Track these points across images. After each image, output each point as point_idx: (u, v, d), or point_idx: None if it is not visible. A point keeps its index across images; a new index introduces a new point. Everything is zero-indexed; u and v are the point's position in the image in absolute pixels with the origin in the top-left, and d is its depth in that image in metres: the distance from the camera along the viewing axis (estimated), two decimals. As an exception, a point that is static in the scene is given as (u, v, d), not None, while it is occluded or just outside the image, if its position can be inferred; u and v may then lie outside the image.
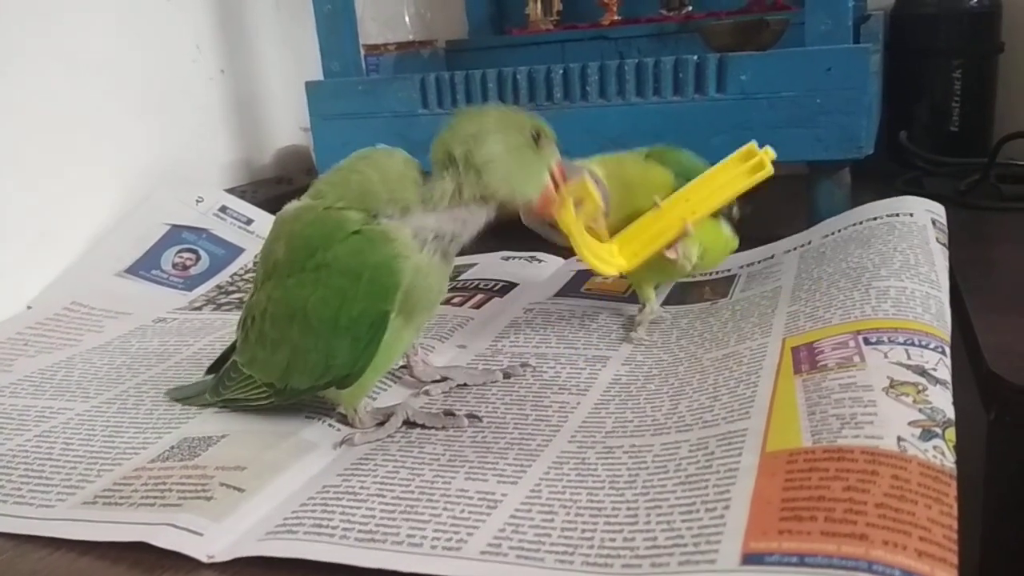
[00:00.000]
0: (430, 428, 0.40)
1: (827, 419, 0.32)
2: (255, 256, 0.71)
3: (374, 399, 0.44)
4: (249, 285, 0.65)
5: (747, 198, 0.49)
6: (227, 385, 0.43)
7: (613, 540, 0.29)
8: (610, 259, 0.46)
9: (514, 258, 0.67)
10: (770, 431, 0.33)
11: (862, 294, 0.43)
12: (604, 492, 0.32)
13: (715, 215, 0.49)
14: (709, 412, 0.37)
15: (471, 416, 0.40)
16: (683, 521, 0.29)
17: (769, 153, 0.44)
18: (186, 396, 0.46)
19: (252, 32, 0.88)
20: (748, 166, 0.44)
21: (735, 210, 0.52)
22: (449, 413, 0.41)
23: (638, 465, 0.34)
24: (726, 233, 0.52)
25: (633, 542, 0.28)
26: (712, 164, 0.53)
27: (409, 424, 0.41)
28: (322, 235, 0.38)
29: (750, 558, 0.25)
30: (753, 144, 0.43)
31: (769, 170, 0.43)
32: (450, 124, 0.40)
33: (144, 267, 0.68)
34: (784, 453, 0.31)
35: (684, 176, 0.48)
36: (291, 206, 0.41)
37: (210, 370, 0.48)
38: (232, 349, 0.46)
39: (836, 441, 0.30)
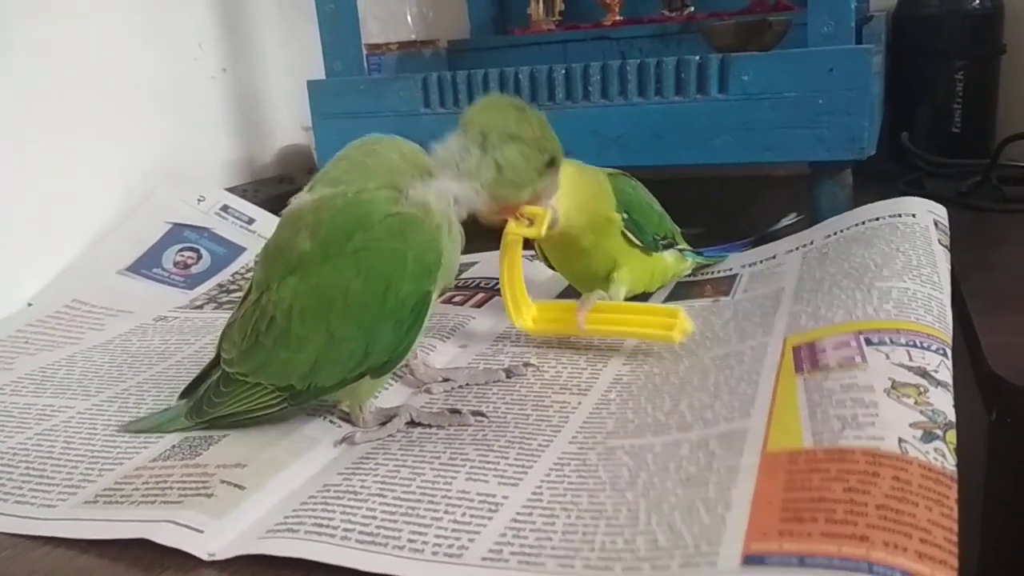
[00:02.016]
0: (434, 427, 0.40)
1: (828, 420, 0.32)
2: (256, 256, 0.71)
3: (376, 398, 0.44)
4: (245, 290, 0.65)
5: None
6: (215, 403, 0.41)
7: (614, 542, 0.29)
8: (522, 312, 0.50)
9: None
10: (771, 431, 0.33)
11: (864, 294, 0.43)
12: (605, 494, 0.32)
13: (649, 251, 0.53)
14: (710, 411, 0.37)
15: (477, 413, 0.40)
16: (683, 522, 0.29)
17: (686, 327, 0.45)
18: (152, 426, 0.43)
19: (254, 31, 0.88)
20: (664, 322, 0.45)
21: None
22: (454, 411, 0.41)
23: (639, 465, 0.34)
24: (668, 262, 0.55)
25: (634, 544, 0.28)
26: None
27: (413, 424, 0.41)
28: (358, 218, 0.38)
29: (751, 559, 0.25)
30: (682, 311, 0.45)
31: (675, 339, 0.44)
32: (498, 107, 0.43)
33: (145, 265, 0.68)
34: (785, 453, 0.31)
35: (622, 202, 0.51)
36: (304, 199, 0.40)
37: (182, 397, 0.45)
38: (209, 371, 0.44)
39: (837, 442, 0.30)
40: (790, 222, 0.65)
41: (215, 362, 0.43)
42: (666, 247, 0.55)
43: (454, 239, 0.40)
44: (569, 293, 0.57)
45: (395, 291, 0.37)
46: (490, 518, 0.31)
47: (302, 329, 0.38)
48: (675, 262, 0.56)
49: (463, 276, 0.64)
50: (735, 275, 0.58)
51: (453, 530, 0.31)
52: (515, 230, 0.46)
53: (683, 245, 0.57)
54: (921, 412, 0.31)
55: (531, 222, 0.46)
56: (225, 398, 0.41)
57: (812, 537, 0.25)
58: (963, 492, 0.28)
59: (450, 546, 0.30)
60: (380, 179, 0.39)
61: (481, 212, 0.45)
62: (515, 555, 0.29)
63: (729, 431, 0.34)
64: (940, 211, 0.53)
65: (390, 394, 0.45)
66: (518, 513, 0.31)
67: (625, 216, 0.51)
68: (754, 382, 0.38)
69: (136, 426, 0.43)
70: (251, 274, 0.68)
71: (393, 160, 0.40)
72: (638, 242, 0.52)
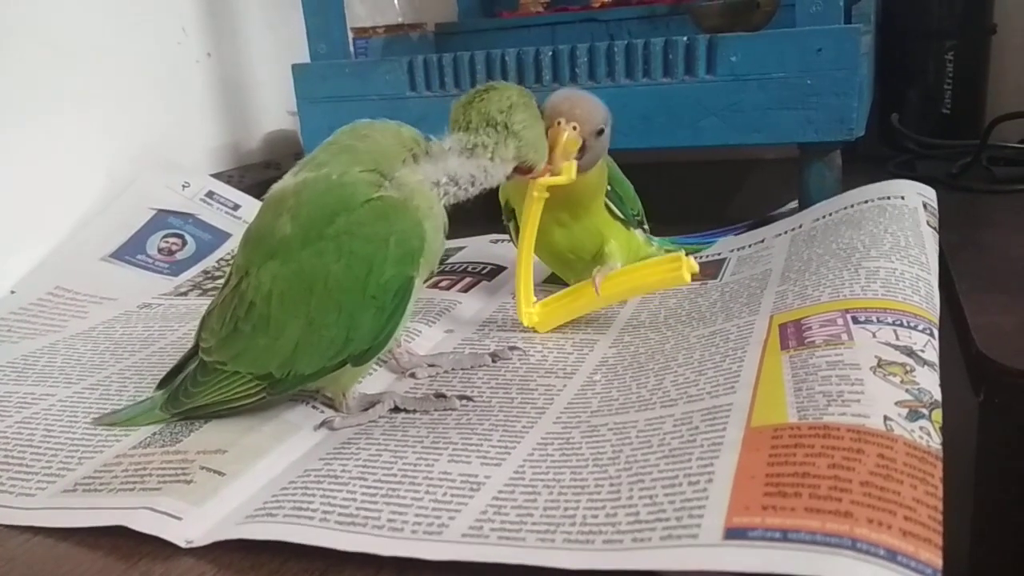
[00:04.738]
0: (419, 412, 0.39)
1: (813, 396, 0.32)
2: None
3: (359, 383, 0.44)
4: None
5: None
6: (192, 393, 0.40)
7: (595, 516, 0.28)
8: (527, 309, 0.49)
9: (503, 241, 0.67)
10: (755, 406, 0.33)
11: (851, 274, 0.43)
12: (588, 470, 0.32)
13: (628, 225, 0.53)
14: (694, 387, 0.37)
15: (463, 398, 0.40)
16: (666, 495, 0.28)
17: (693, 266, 0.45)
18: (126, 419, 0.41)
19: (239, 15, 0.87)
20: (671, 267, 0.46)
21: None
22: (440, 395, 0.40)
23: (622, 441, 0.34)
24: (639, 240, 0.55)
25: (615, 518, 0.28)
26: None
27: (397, 410, 0.40)
28: (340, 200, 0.37)
29: (733, 533, 0.25)
30: (681, 254, 0.46)
31: (686, 279, 0.44)
32: (479, 95, 0.43)
33: (129, 252, 0.67)
34: (769, 428, 0.30)
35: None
36: (286, 183, 0.40)
37: (159, 387, 0.43)
38: (187, 360, 0.43)
39: (822, 418, 0.30)
40: (789, 208, 0.65)
41: (193, 351, 0.43)
42: (639, 224, 0.55)
43: (436, 223, 0.40)
44: (552, 279, 0.57)
45: (377, 276, 0.37)
46: (471, 497, 0.31)
47: (281, 314, 0.37)
48: (645, 243, 0.56)
49: (450, 260, 0.63)
50: (723, 259, 0.58)
51: (434, 509, 0.30)
52: (544, 183, 0.46)
53: (647, 227, 0.57)
54: (907, 391, 0.31)
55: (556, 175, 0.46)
56: (202, 388, 0.40)
57: (795, 512, 0.25)
58: (953, 473, 0.27)
59: (430, 524, 0.29)
60: (366, 163, 0.38)
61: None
62: (495, 531, 0.29)
63: (713, 406, 0.34)
64: (929, 193, 0.53)
65: (374, 380, 0.45)
66: (500, 491, 0.31)
67: (608, 188, 0.51)
68: (739, 359, 0.38)
69: (110, 419, 0.42)
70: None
71: (384, 144, 0.39)
72: (620, 214, 0.52)
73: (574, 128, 0.45)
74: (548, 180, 0.46)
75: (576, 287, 0.49)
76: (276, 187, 0.40)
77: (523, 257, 0.49)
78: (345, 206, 0.37)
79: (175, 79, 0.80)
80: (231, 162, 0.86)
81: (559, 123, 0.45)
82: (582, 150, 0.46)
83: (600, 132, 0.47)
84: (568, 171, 0.46)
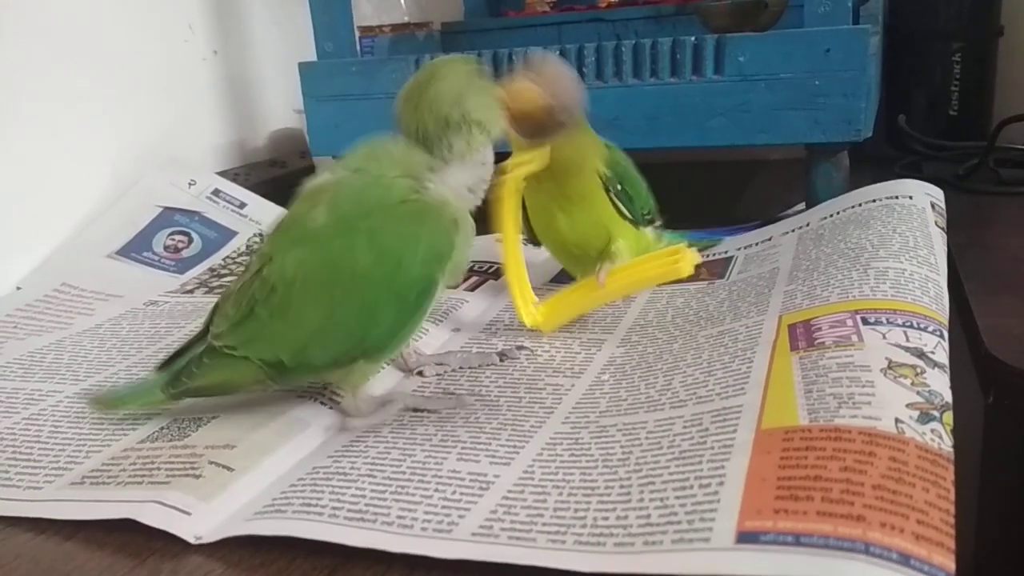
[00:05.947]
0: (431, 411, 0.39)
1: (824, 398, 0.32)
2: (248, 238, 0.70)
3: (368, 381, 0.44)
4: (242, 269, 0.63)
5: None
6: (195, 374, 0.39)
7: (606, 519, 0.28)
8: (527, 308, 0.49)
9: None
10: (765, 408, 0.33)
11: (860, 274, 0.43)
12: (598, 471, 0.32)
13: (637, 224, 0.52)
14: (703, 387, 0.37)
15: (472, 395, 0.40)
16: (676, 497, 0.28)
17: (692, 257, 0.45)
18: (123, 397, 0.41)
19: (245, 12, 0.87)
20: (670, 260, 0.46)
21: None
22: (451, 393, 0.40)
23: (631, 442, 0.34)
24: (650, 239, 0.54)
25: (626, 520, 0.28)
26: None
27: (406, 409, 0.40)
28: (378, 197, 0.38)
29: (745, 536, 0.25)
30: (683, 245, 0.46)
31: (685, 272, 0.45)
32: (420, 92, 0.40)
33: (135, 249, 0.67)
34: (780, 430, 0.30)
35: (617, 173, 0.51)
36: (325, 178, 0.40)
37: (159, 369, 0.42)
38: (191, 345, 0.42)
39: (833, 420, 0.30)
40: (796, 212, 0.65)
41: (200, 336, 0.42)
42: (649, 222, 0.54)
43: (467, 232, 0.40)
44: (563, 277, 0.57)
45: (405, 273, 0.37)
46: (481, 496, 0.31)
47: (303, 300, 0.37)
48: (655, 241, 0.55)
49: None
50: (730, 257, 0.58)
51: (443, 507, 0.30)
52: (520, 173, 0.45)
53: (659, 222, 0.57)
54: (918, 393, 0.31)
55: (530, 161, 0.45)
56: (208, 368, 0.39)
57: (807, 516, 0.25)
58: (959, 474, 0.27)
59: (439, 522, 0.29)
60: (401, 169, 0.39)
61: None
62: (505, 531, 0.29)
63: (723, 408, 0.34)
64: (937, 193, 0.53)
65: (381, 378, 0.45)
66: (509, 491, 0.31)
67: (618, 187, 0.51)
68: (749, 359, 0.38)
69: (108, 397, 0.41)
70: (243, 259, 0.68)
71: (412, 152, 0.40)
72: (628, 214, 0.52)
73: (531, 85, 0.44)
74: (523, 170, 0.45)
75: (578, 284, 0.49)
76: (314, 181, 0.41)
77: (509, 255, 0.48)
78: (382, 203, 0.38)
79: (181, 77, 0.80)
80: (237, 160, 0.86)
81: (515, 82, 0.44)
82: (549, 125, 0.45)
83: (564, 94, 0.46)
84: (541, 156, 0.45)
